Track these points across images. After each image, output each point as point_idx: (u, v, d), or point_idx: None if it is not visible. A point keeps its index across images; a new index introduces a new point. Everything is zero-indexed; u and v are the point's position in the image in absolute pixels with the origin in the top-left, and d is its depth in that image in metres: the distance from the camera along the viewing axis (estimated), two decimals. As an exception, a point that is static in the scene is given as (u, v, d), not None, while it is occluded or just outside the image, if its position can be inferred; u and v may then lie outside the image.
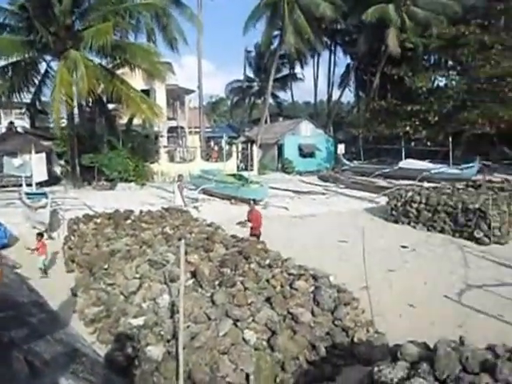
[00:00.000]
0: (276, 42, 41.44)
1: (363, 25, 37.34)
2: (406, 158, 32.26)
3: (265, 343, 6.42)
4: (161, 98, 35.75)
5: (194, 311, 6.68)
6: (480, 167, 27.72)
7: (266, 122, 42.99)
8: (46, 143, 28.74)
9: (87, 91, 22.84)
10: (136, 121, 30.51)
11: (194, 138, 41.01)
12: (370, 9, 35.17)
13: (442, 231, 15.47)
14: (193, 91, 41.93)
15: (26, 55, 25.48)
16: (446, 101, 34.36)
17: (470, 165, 27.33)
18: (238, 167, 34.50)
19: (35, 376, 5.41)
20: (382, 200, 20.13)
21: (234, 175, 24.98)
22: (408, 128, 35.06)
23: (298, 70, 52.33)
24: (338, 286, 7.75)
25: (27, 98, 28.09)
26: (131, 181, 28.26)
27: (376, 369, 4.67)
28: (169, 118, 38.53)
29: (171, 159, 33.80)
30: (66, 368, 5.90)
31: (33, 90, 27.72)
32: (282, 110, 57.54)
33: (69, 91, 23.45)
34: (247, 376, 5.97)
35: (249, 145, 36.32)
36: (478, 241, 14.07)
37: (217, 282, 7.52)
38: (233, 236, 10.47)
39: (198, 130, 40.90)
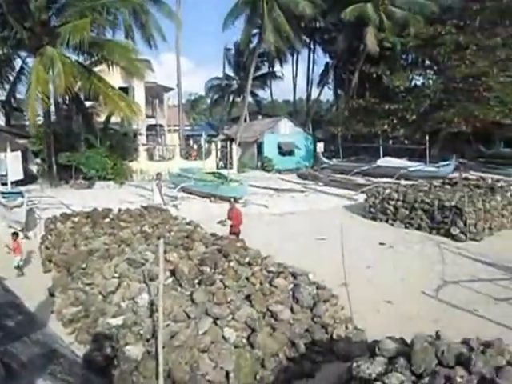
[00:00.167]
0: (255, 40, 41.44)
1: (342, 23, 37.58)
2: (383, 156, 32.60)
3: (244, 341, 6.43)
4: (139, 95, 35.49)
5: (174, 310, 6.65)
6: (456, 165, 28.15)
7: (245, 120, 42.96)
8: (21, 141, 28.14)
9: (64, 89, 22.48)
10: (114, 119, 30.16)
11: (173, 136, 40.78)
12: (348, 7, 35.40)
13: (419, 228, 15.68)
14: (172, 89, 41.69)
15: (0, 51, 24.98)
16: (423, 100, 34.83)
17: (447, 163, 27.79)
18: (217, 165, 34.41)
19: (12, 378, 5.34)
20: (361, 197, 20.32)
21: (213, 173, 24.92)
22: (386, 126, 35.47)
23: (277, 68, 52.47)
24: (317, 283, 7.81)
25: (2, 95, 27.60)
26: (109, 179, 27.96)
27: (354, 364, 4.73)
28: (148, 116, 38.25)
29: (150, 157, 33.52)
30: (44, 369, 5.83)
31: (7, 87, 27.24)
32: (262, 109, 57.54)
33: (45, 89, 23.08)
34: (227, 374, 5.98)
35: (228, 143, 36.28)
36: (454, 237, 14.31)
37: (196, 281, 7.50)
38: (212, 234, 10.46)
39: (177, 128, 40.66)
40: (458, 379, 3.91)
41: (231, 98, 55.33)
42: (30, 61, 26.08)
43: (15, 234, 11.35)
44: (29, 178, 26.50)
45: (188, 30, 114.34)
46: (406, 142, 36.23)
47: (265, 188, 25.88)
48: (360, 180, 28.24)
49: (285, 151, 39.10)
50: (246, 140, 39.52)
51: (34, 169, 29.16)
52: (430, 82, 37.51)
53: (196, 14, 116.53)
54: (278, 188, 26.11)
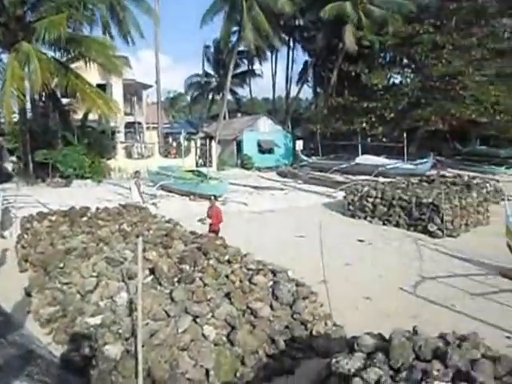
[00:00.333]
0: (235, 38, 41.38)
1: (321, 22, 37.78)
2: (362, 153, 32.90)
3: (224, 338, 6.43)
4: (117, 92, 35.15)
5: (153, 308, 6.61)
6: (433, 163, 28.62)
7: (224, 117, 42.94)
8: (-4, 139, 27.77)
9: (40, 85, 22.15)
10: (92, 116, 29.86)
11: (152, 133, 40.55)
12: (327, 6, 35.61)
13: (397, 225, 15.86)
14: (150, 86, 41.42)
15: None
16: (401, 98, 35.23)
17: (424, 160, 28.17)
18: (196, 163, 34.35)
19: (-13, 380, 5.24)
20: (340, 195, 20.49)
21: (192, 171, 24.85)
22: (365, 124, 35.78)
23: (256, 66, 52.47)
24: (296, 281, 7.83)
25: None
26: (87, 177, 27.65)
27: (334, 360, 4.77)
28: (126, 114, 37.91)
29: (129, 155, 33.24)
30: (21, 371, 5.73)
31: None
32: (241, 106, 57.53)
33: (20, 85, 22.70)
34: (207, 372, 5.97)
35: (208, 141, 36.19)
36: (431, 234, 14.51)
37: (176, 279, 7.46)
38: (192, 232, 10.41)
39: (156, 125, 40.40)
40: (435, 372, 3.97)
41: (211, 96, 55.12)
42: (5, 57, 25.69)
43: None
44: (4, 177, 26.07)
45: (166, 27, 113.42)
46: (385, 139, 36.58)
47: (244, 186, 25.90)
48: (339, 178, 28.45)
49: (264, 149, 39.16)
50: (226, 138, 39.47)
51: (9, 167, 28.66)
52: (408, 80, 37.96)
53: (175, 10, 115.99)
54: (258, 186, 26.17)
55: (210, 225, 12.33)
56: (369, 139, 39.10)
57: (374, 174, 26.65)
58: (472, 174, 24.92)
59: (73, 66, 26.80)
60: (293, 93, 50.71)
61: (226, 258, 8.19)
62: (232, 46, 41.97)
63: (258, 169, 36.93)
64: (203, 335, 6.36)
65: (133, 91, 40.17)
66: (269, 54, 48.42)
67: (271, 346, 6.59)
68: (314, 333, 7.01)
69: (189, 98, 61.97)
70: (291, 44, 48.50)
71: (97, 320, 6.74)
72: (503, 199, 17.02)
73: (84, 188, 25.63)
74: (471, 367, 4.04)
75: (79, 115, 30.52)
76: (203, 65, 50.58)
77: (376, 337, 5.05)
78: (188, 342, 6.17)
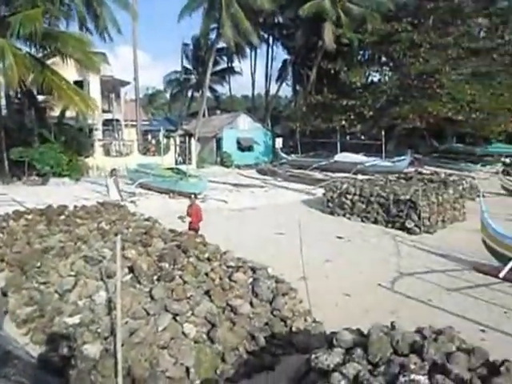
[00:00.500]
0: (214, 35, 41.24)
1: (300, 19, 37.85)
2: (341, 151, 33.20)
3: (204, 336, 6.43)
4: (95, 89, 34.68)
5: (133, 307, 6.57)
6: (411, 160, 28.97)
7: (204, 115, 42.77)
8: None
9: (16, 82, 21.72)
10: (69, 113, 29.41)
11: (131, 131, 40.13)
12: (306, 3, 35.75)
13: (375, 222, 16.04)
14: (129, 83, 40.91)
15: None
16: (379, 96, 35.56)
17: (402, 158, 28.53)
18: (176, 161, 34.19)
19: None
20: (319, 192, 20.62)
21: (172, 169, 24.70)
22: (344, 122, 36.03)
23: (236, 63, 52.39)
24: (275, 277, 7.87)
25: None
26: (65, 175, 27.24)
27: (313, 356, 4.81)
28: (104, 111, 37.42)
29: (107, 153, 32.85)
30: (-3, 372, 5.65)
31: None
32: (220, 104, 57.38)
33: (-6, 82, 22.29)
34: (187, 369, 5.96)
35: (187, 138, 36.02)
36: (409, 231, 14.73)
37: (155, 277, 7.43)
38: (171, 230, 10.37)
39: (134, 123, 39.97)
40: (412, 366, 4.04)
41: (190, 93, 54.86)
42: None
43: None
44: (-22, 175, 25.52)
45: (145, 24, 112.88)
46: (363, 137, 36.95)
47: (224, 183, 25.88)
48: (318, 175, 28.65)
49: (244, 147, 39.15)
50: (205, 135, 39.33)
51: (-17, 165, 28.09)
52: (386, 78, 38.38)
53: (153, 8, 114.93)
54: (238, 183, 26.16)
55: (190, 223, 12.32)
56: (348, 137, 39.43)
57: (352, 172, 26.89)
58: (449, 171, 25.37)
59: (49, 62, 26.33)
60: (272, 90, 50.90)
61: (206, 255, 8.19)
62: (211, 43, 41.83)
63: (238, 166, 36.88)
64: (183, 333, 6.35)
65: (111, 88, 39.65)
66: (248, 51, 48.42)
67: (251, 342, 6.62)
68: (293, 329, 7.06)
69: (168, 95, 61.59)
70: (271, 41, 48.67)
71: (75, 319, 6.68)
72: (478, 196, 17.36)
73: (61, 186, 25.26)
74: (447, 360, 4.13)
75: (56, 112, 30.04)
76: (182, 62, 50.36)
77: (355, 332, 5.11)
78: (168, 340, 6.16)
